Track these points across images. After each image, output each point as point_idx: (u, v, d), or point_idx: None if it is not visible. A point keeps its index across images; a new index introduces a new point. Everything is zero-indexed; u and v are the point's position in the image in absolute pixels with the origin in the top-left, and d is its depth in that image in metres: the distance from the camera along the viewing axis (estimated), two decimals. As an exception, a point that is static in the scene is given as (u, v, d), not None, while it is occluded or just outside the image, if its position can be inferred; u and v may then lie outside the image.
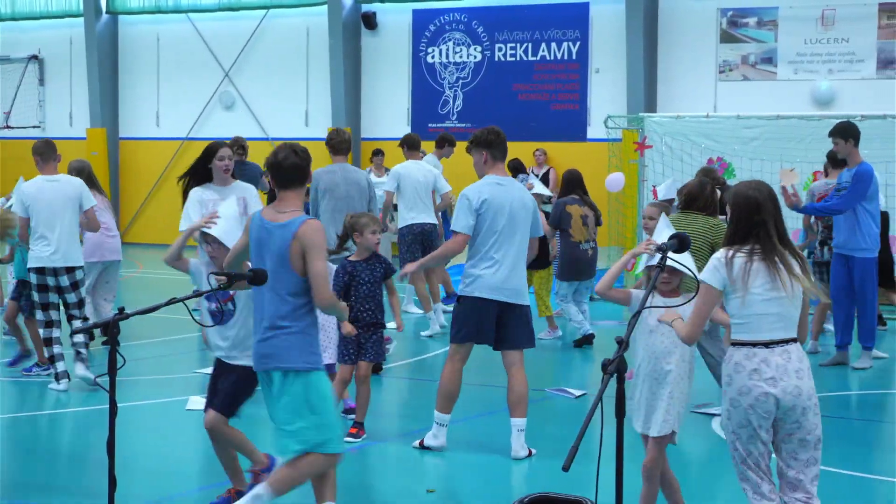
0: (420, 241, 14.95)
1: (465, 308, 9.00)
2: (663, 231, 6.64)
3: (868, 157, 15.68)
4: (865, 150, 15.75)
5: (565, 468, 4.97)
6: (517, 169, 22.37)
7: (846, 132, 12.81)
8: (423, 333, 14.78)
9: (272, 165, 6.79)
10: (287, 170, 6.78)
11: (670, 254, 6.04)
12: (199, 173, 10.02)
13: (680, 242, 6.08)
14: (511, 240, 8.85)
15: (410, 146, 15.74)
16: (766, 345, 5.90)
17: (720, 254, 5.97)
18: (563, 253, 14.29)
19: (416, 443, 9.20)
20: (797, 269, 5.93)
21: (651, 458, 6.77)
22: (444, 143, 17.27)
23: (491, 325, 8.93)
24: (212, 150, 10.09)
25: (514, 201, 8.89)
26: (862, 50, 22.19)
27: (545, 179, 22.04)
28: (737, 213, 6.03)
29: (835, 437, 9.81)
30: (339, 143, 12.61)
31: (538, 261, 14.89)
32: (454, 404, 9.11)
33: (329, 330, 9.75)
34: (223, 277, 6.48)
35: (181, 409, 10.65)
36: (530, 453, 8.99)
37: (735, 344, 5.97)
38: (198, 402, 10.34)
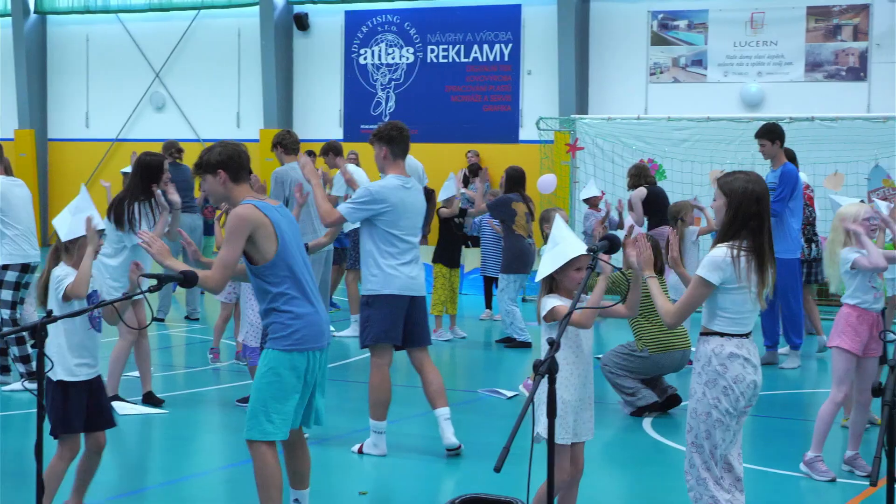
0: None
1: (380, 309, 8.94)
2: (563, 233, 6.58)
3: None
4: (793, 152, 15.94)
5: (497, 469, 4.97)
6: (475, 171, 22.42)
7: (772, 133, 12.95)
8: (337, 333, 14.61)
9: (229, 158, 6.69)
10: (247, 160, 6.76)
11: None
12: (147, 191, 10.20)
13: (611, 244, 6.14)
14: (413, 239, 8.92)
15: (338, 153, 15.57)
16: (748, 336, 6.11)
17: (723, 252, 5.99)
18: (510, 247, 14.40)
19: (355, 448, 9.15)
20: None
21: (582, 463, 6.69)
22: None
23: (402, 323, 8.96)
24: (158, 167, 10.27)
25: (416, 203, 8.94)
26: (790, 53, 22.42)
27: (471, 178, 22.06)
28: (735, 206, 6.04)
29: (762, 437, 9.91)
30: (293, 144, 12.78)
31: (450, 258, 14.99)
32: (388, 409, 9.09)
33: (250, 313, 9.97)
34: (153, 279, 6.42)
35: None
36: (460, 446, 8.99)
37: (724, 335, 6.06)
38: (124, 407, 10.28)
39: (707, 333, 6.10)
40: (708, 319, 6.10)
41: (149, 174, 10.22)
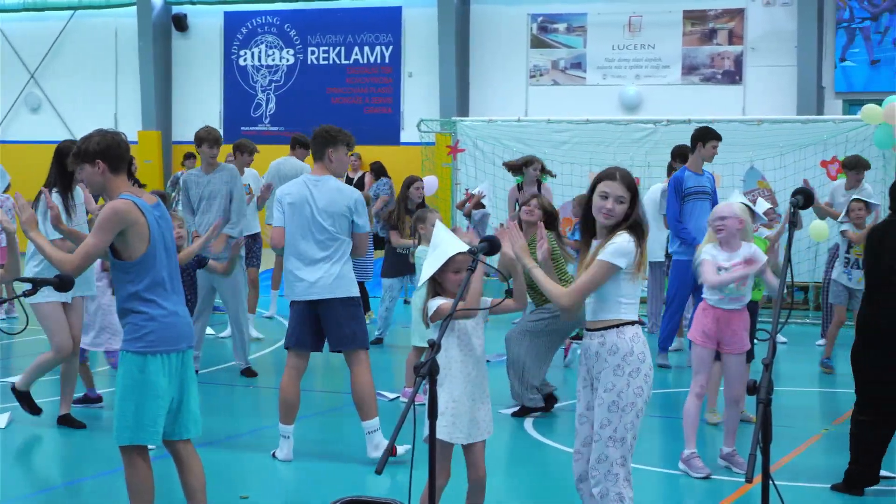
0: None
1: (292, 313, 9.01)
2: (442, 236, 6.60)
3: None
4: (669, 154, 16.12)
5: (378, 471, 4.97)
6: (380, 172, 22.34)
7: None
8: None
9: (108, 148, 6.45)
10: (126, 150, 6.59)
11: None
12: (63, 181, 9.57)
13: (491, 245, 6.15)
14: (311, 237, 8.81)
15: (251, 152, 15.32)
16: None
17: (627, 237, 6.01)
18: (392, 250, 14.32)
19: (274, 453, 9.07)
20: None
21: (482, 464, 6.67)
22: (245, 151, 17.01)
23: (311, 327, 8.90)
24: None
25: (318, 199, 8.79)
26: (667, 56, 22.73)
27: (360, 184, 22.02)
28: (634, 198, 6.08)
29: (641, 435, 10.00)
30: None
31: None
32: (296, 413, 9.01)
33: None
34: (28, 283, 6.31)
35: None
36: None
37: (634, 323, 6.10)
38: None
39: (621, 324, 6.08)
40: (611, 310, 6.08)
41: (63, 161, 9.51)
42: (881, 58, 21.53)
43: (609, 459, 6.06)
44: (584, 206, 6.17)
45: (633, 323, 6.08)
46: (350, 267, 8.89)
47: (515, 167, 15.15)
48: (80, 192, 9.71)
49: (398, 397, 11.41)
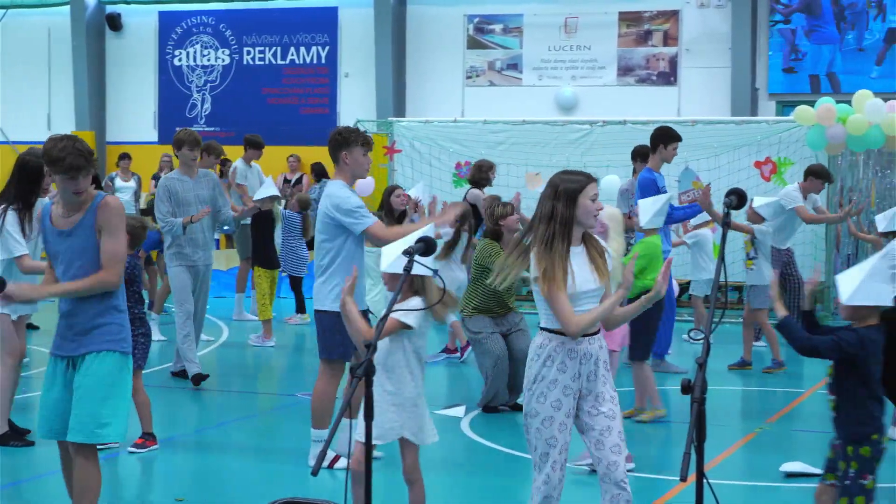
0: None
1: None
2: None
3: (609, 162, 16.19)
4: (606, 156, 16.27)
5: (314, 473, 4.96)
6: (321, 174, 22.30)
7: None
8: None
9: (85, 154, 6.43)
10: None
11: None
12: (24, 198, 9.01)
13: (426, 246, 6.16)
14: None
15: (218, 154, 15.11)
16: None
17: (547, 246, 6.01)
18: None
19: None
20: None
21: (414, 461, 6.71)
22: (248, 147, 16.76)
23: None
24: (38, 171, 8.87)
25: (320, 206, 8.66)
26: (603, 57, 22.83)
27: (298, 185, 21.98)
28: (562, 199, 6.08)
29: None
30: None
31: (267, 259, 14.87)
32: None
33: None
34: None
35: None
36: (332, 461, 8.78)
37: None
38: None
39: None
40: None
41: (28, 178, 8.96)
42: (811, 60, 21.75)
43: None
44: (564, 212, 6.05)
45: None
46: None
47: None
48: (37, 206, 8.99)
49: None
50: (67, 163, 6.27)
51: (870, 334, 6.06)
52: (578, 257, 6.03)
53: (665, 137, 12.60)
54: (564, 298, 5.89)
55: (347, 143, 8.49)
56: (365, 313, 8.42)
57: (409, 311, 6.43)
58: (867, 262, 6.12)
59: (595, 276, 6.03)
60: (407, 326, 6.51)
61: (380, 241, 8.26)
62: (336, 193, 8.45)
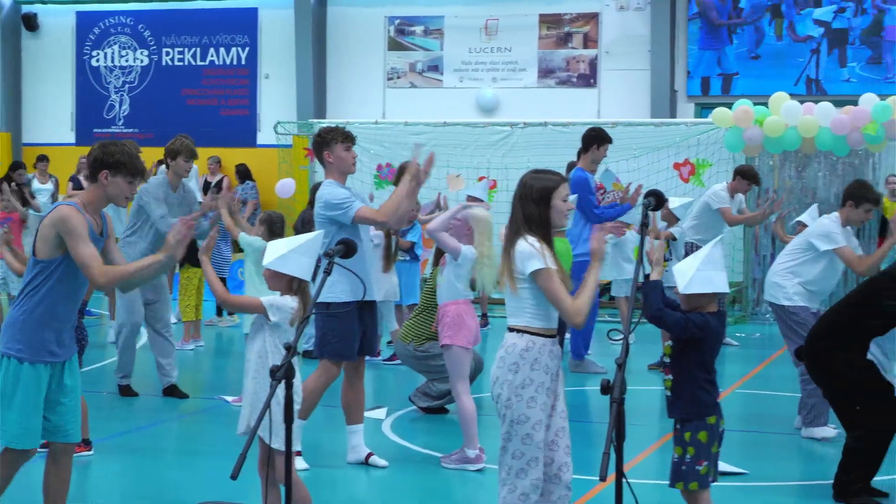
0: None
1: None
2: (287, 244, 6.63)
3: (529, 164, 16.14)
4: (527, 157, 16.32)
5: (233, 476, 4.93)
6: (245, 174, 22.16)
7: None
8: None
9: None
10: None
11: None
12: None
13: (346, 248, 6.16)
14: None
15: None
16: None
17: (535, 241, 5.98)
18: None
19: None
20: None
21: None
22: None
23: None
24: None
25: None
26: (524, 59, 22.91)
27: (219, 187, 21.77)
28: (535, 198, 6.07)
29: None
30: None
31: (194, 258, 14.73)
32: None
33: None
34: None
35: None
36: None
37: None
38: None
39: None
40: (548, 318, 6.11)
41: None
42: (730, 62, 21.96)
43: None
44: (540, 216, 6.07)
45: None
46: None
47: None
48: None
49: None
50: None
51: (711, 320, 6.26)
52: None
53: (598, 139, 12.84)
54: (564, 291, 5.91)
55: (327, 142, 8.69)
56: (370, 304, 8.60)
57: (280, 307, 6.43)
58: (701, 251, 6.32)
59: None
60: (266, 315, 6.45)
61: (374, 222, 8.59)
62: (323, 192, 8.62)
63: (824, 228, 9.91)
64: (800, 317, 9.91)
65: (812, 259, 9.94)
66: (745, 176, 14.31)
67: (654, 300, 6.22)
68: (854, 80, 21.27)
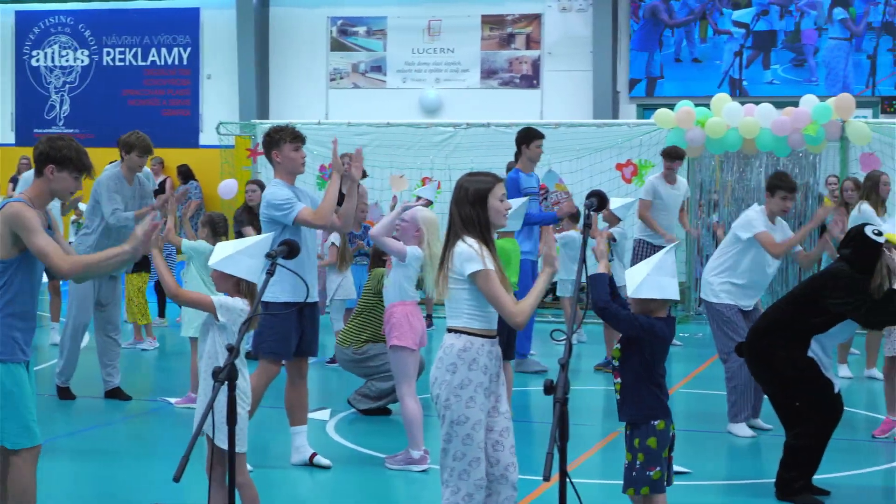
0: None
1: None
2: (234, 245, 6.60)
3: (473, 164, 16.22)
4: (470, 157, 16.32)
5: (175, 479, 4.90)
6: (187, 175, 22.00)
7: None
8: None
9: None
10: None
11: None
12: None
13: (290, 248, 6.15)
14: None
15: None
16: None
17: (474, 242, 5.96)
18: None
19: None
20: None
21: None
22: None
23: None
24: None
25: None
26: (466, 60, 22.93)
27: (162, 188, 21.64)
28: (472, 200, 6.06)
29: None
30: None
31: (138, 264, 14.64)
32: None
33: None
34: None
35: None
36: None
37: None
38: None
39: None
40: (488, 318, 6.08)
41: None
42: (656, 65, 22.09)
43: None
44: (478, 217, 6.04)
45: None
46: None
47: None
48: None
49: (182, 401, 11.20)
50: None
51: (657, 324, 6.27)
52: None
53: (526, 137, 12.77)
54: (504, 291, 5.91)
55: (275, 142, 8.65)
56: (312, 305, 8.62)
57: (230, 308, 6.41)
58: (654, 256, 6.34)
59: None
60: (215, 315, 6.42)
61: (313, 225, 8.54)
62: (267, 192, 8.61)
63: (745, 218, 10.05)
64: (724, 315, 10.01)
65: (738, 252, 10.03)
66: (666, 155, 14.47)
67: (600, 292, 6.24)
68: (777, 83, 21.52)
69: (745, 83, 21.59)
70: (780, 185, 9.92)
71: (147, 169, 12.34)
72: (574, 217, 13.96)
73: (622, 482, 6.38)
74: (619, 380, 6.38)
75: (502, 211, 6.07)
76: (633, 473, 6.31)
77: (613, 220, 13.17)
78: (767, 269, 10.16)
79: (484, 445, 6.02)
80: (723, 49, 21.78)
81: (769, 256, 10.01)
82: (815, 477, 8.20)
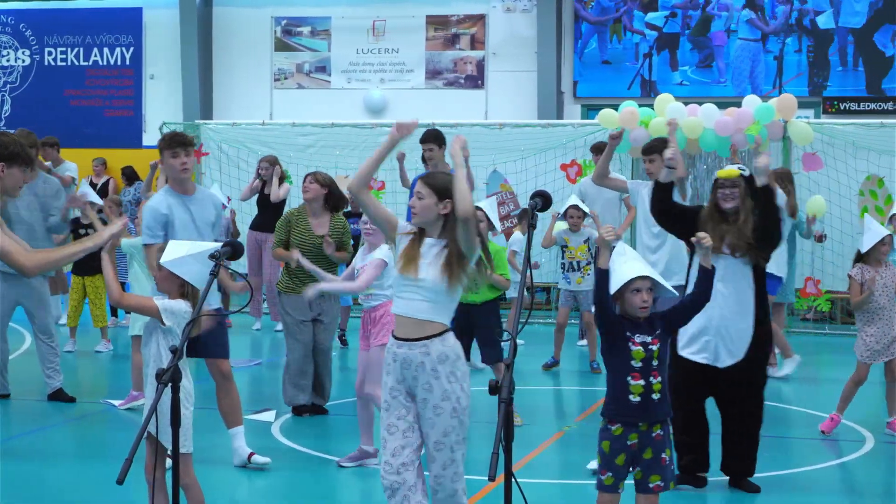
0: None
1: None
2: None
3: (417, 166, 16.20)
4: (415, 157, 16.25)
5: (119, 481, 4.88)
6: (131, 177, 21.82)
7: (440, 138, 13.19)
8: None
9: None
10: None
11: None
12: None
13: (233, 249, 6.13)
14: None
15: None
16: None
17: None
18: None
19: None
20: None
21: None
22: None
23: None
24: None
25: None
26: (411, 60, 22.92)
27: (105, 189, 21.52)
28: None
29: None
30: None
31: (93, 266, 14.51)
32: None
33: None
34: None
35: None
36: None
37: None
38: None
39: (445, 331, 6.04)
40: (444, 316, 6.05)
41: None
42: (613, 63, 22.20)
43: (456, 462, 6.08)
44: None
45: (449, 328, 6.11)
46: None
47: None
48: None
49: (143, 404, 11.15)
50: None
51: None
52: (433, 248, 6.08)
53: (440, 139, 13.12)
54: None
55: (160, 150, 8.61)
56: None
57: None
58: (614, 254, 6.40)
59: (430, 271, 6.01)
60: (161, 319, 6.39)
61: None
62: (149, 201, 8.75)
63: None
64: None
65: None
66: (596, 150, 14.69)
67: (605, 289, 6.20)
68: (687, 84, 21.68)
69: (656, 84, 21.70)
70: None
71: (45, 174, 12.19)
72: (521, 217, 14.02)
73: (663, 482, 6.28)
74: (658, 379, 6.23)
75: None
76: (673, 467, 6.34)
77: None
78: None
79: (388, 445, 6.08)
80: (632, 51, 21.94)
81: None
82: (756, 475, 8.25)
